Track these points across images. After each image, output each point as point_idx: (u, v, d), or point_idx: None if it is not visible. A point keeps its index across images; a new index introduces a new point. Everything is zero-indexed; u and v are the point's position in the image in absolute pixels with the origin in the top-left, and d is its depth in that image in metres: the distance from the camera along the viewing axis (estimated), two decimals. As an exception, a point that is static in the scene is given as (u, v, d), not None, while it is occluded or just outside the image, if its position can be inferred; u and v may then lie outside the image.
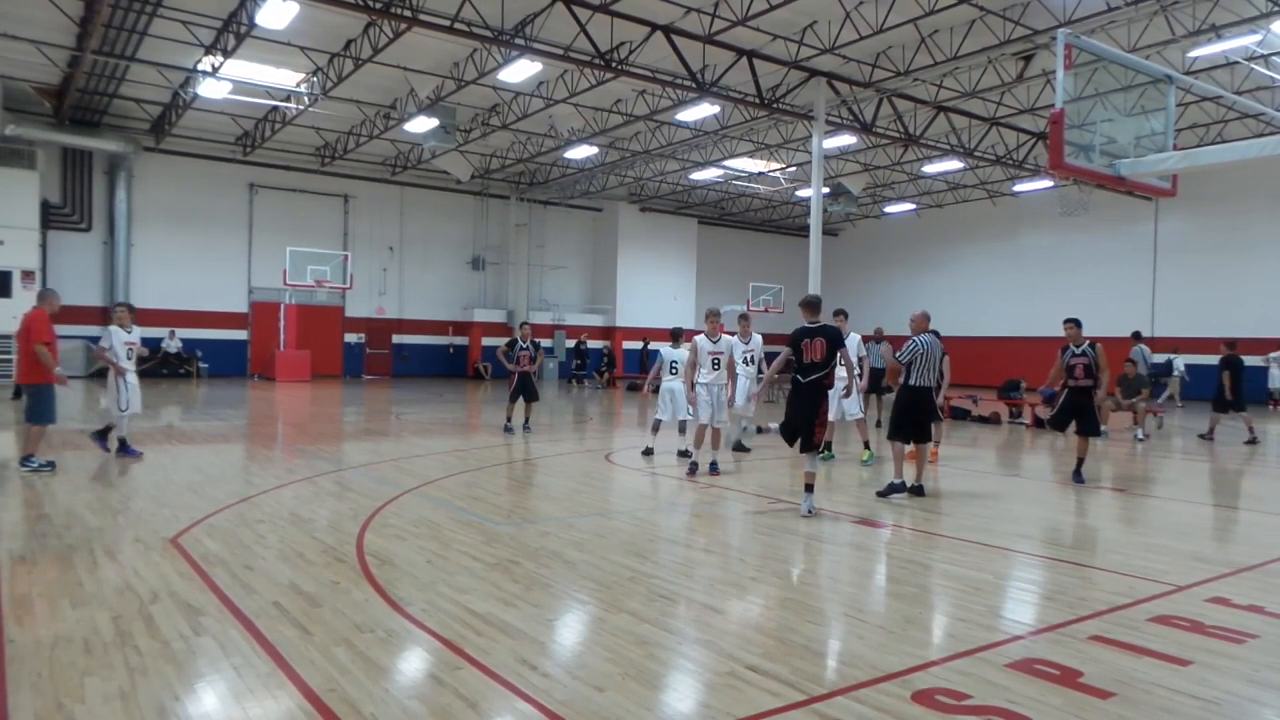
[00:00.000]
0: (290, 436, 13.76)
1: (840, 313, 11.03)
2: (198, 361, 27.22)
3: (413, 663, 4.16)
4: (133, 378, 10.33)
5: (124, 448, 10.27)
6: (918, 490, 8.78)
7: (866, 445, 11.52)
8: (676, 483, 9.58)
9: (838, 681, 3.96)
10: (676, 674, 4.04)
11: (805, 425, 7.58)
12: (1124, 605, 5.14)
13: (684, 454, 11.16)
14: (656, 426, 11.76)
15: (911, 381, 8.90)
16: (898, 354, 9.00)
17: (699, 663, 4.14)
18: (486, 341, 31.77)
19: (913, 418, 8.89)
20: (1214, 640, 4.56)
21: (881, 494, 8.72)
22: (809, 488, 7.68)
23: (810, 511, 7.60)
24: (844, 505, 8.33)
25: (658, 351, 12.21)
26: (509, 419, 14.24)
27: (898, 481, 8.76)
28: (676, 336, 11.87)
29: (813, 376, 7.61)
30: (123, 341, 10.24)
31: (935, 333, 9.20)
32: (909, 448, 9.03)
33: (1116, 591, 5.44)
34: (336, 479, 9.25)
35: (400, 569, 5.65)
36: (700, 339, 10.46)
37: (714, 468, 10.05)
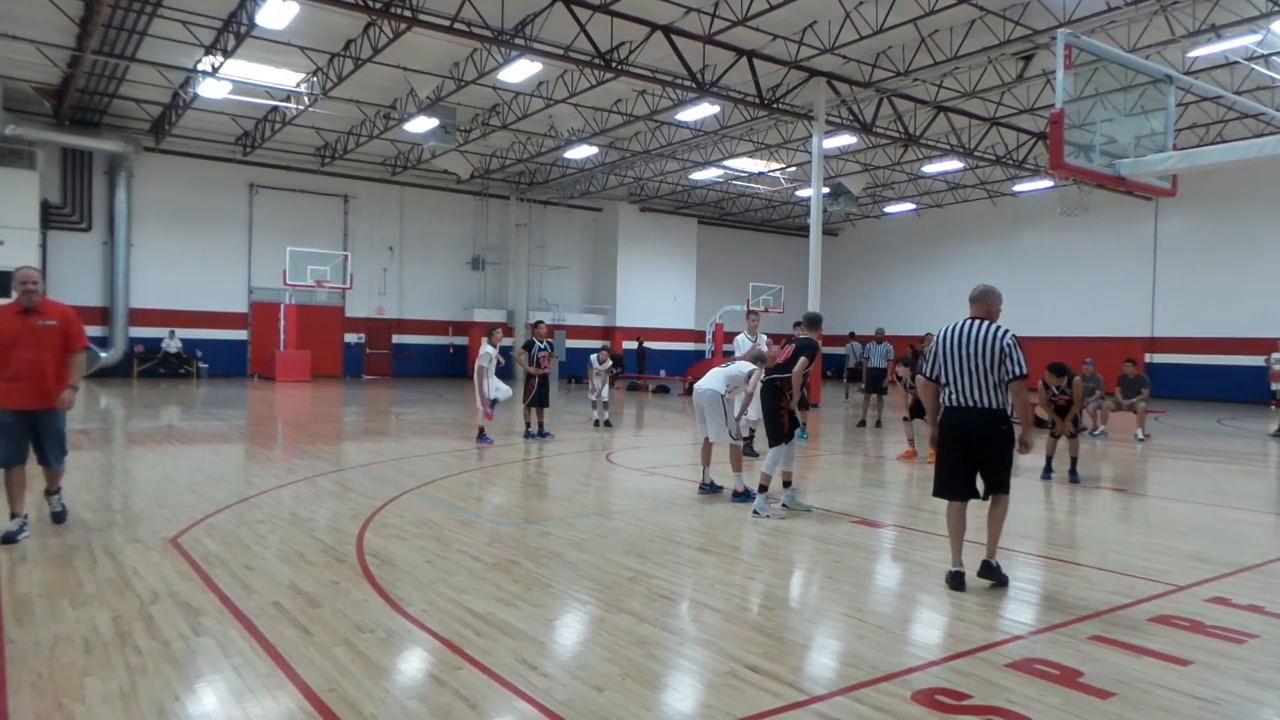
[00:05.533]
0: (290, 436, 13.76)
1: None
2: (197, 362, 27.20)
3: (413, 663, 4.16)
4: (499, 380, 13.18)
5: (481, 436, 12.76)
6: (993, 573, 5.48)
7: None
8: (675, 482, 9.58)
9: (838, 681, 3.96)
10: (676, 674, 4.04)
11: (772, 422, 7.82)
12: (1124, 605, 5.14)
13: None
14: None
15: (947, 399, 5.50)
16: (920, 364, 5.84)
17: (699, 663, 4.14)
18: (486, 341, 31.77)
19: (963, 458, 5.41)
20: (1214, 640, 4.56)
21: (951, 585, 5.43)
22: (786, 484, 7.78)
23: (757, 510, 7.60)
24: (844, 505, 8.33)
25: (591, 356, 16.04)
26: (541, 426, 13.39)
27: (953, 570, 5.46)
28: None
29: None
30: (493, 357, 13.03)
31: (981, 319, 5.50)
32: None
33: (1116, 591, 5.44)
34: (336, 479, 9.25)
35: (400, 569, 5.65)
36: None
37: (750, 495, 8.03)
